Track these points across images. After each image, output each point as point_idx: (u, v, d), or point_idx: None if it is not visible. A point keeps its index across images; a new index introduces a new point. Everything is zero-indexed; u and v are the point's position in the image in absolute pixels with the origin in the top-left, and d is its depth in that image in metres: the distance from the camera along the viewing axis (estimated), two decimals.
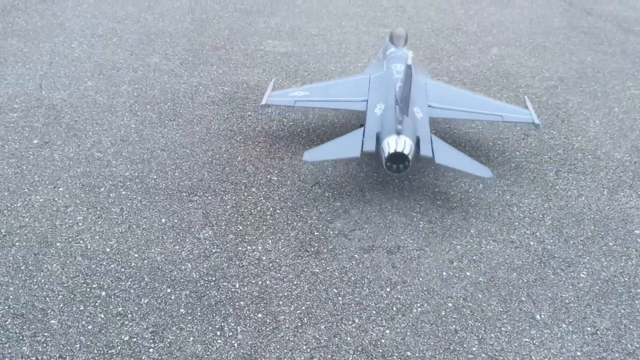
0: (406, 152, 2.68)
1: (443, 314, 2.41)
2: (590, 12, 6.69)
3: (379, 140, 2.81)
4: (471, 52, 5.16)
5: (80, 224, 2.81)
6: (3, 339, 2.22)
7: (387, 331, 2.32)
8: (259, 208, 2.99)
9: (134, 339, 2.24)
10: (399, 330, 2.33)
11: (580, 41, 5.62)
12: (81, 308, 2.36)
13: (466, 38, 5.51)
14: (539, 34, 5.79)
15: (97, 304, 2.38)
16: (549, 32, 5.84)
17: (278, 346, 2.24)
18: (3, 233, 2.70)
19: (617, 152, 3.63)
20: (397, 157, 2.71)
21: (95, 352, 2.18)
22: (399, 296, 2.49)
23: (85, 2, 5.99)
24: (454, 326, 2.36)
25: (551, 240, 2.84)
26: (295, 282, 2.52)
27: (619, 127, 3.95)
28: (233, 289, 2.49)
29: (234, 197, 3.05)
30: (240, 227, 2.84)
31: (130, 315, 2.33)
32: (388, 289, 2.51)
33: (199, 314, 2.36)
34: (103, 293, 2.43)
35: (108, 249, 2.66)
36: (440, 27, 5.80)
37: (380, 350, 2.24)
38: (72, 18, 5.48)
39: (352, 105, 3.17)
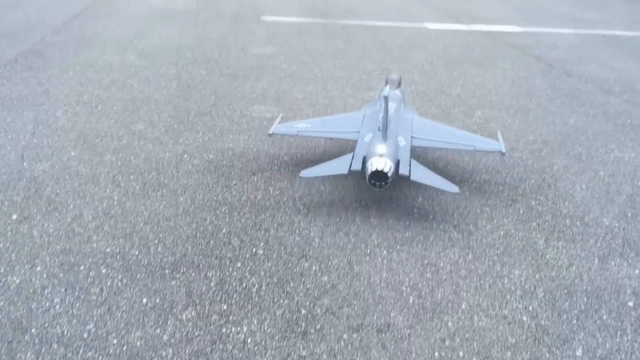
0: (386, 170, 3.15)
1: None
2: (570, 73, 6.84)
3: (364, 162, 3.31)
4: (455, 114, 5.21)
5: (57, 306, 2.70)
6: None
7: None
8: (244, 285, 2.90)
9: None
10: None
11: (562, 103, 5.71)
12: None
13: (450, 101, 5.58)
14: (521, 95, 5.88)
15: None
16: (532, 94, 5.93)
17: None
18: None
19: (606, 218, 3.61)
20: (379, 175, 3.19)
21: None
22: None
23: (71, 69, 6.02)
24: None
25: (544, 315, 2.77)
26: None
27: (605, 191, 3.95)
28: None
29: (218, 273, 2.96)
30: (225, 306, 2.75)
31: None
32: None
33: None
34: None
35: (85, 335, 2.55)
36: (425, 89, 5.88)
37: None
38: (58, 85, 5.49)
39: (347, 135, 3.69)
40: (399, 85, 4.30)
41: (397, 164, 3.30)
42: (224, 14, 9.38)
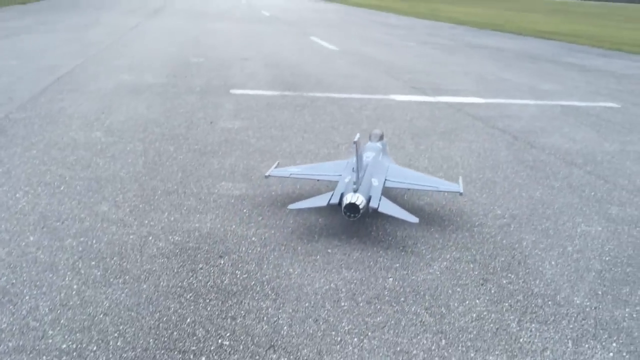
0: (358, 203, 3.89)
1: None
2: (533, 145, 7.01)
3: (341, 197, 4.01)
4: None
5: None
6: None
7: None
8: None
9: None
10: None
11: (527, 175, 5.80)
12: None
13: None
14: (487, 168, 5.97)
15: None
16: (497, 167, 6.03)
17: None
18: None
19: (577, 297, 3.58)
20: (352, 207, 3.91)
21: None
22: None
23: (35, 147, 5.93)
24: None
25: None
26: None
27: (575, 268, 3.95)
28: None
29: None
30: None
31: None
32: None
33: None
34: None
35: None
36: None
37: None
38: (20, 165, 5.38)
39: (332, 177, 4.50)
40: (380, 138, 5.03)
41: (368, 200, 3.99)
42: (193, 88, 9.47)
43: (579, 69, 15.17)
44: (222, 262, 3.80)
